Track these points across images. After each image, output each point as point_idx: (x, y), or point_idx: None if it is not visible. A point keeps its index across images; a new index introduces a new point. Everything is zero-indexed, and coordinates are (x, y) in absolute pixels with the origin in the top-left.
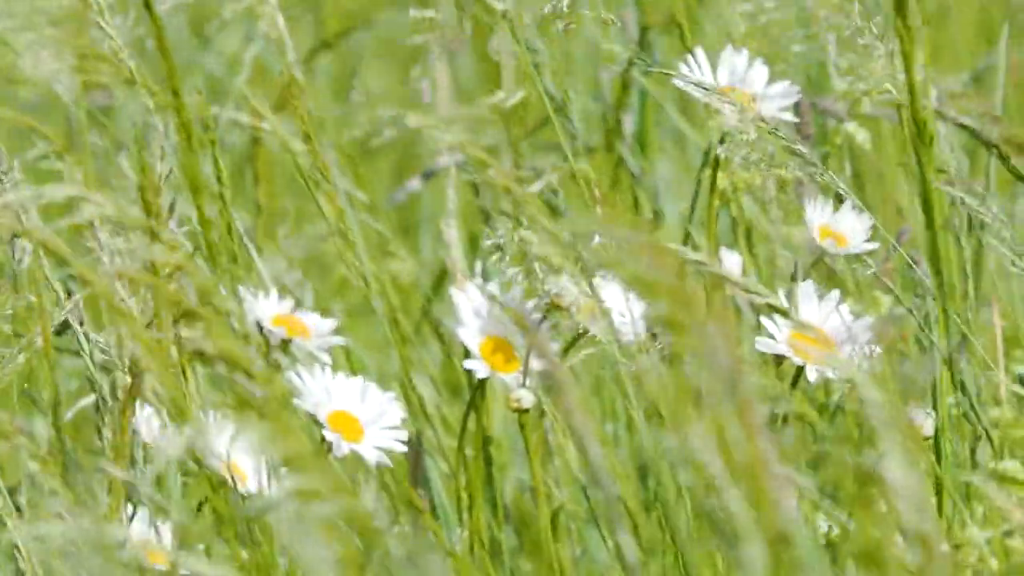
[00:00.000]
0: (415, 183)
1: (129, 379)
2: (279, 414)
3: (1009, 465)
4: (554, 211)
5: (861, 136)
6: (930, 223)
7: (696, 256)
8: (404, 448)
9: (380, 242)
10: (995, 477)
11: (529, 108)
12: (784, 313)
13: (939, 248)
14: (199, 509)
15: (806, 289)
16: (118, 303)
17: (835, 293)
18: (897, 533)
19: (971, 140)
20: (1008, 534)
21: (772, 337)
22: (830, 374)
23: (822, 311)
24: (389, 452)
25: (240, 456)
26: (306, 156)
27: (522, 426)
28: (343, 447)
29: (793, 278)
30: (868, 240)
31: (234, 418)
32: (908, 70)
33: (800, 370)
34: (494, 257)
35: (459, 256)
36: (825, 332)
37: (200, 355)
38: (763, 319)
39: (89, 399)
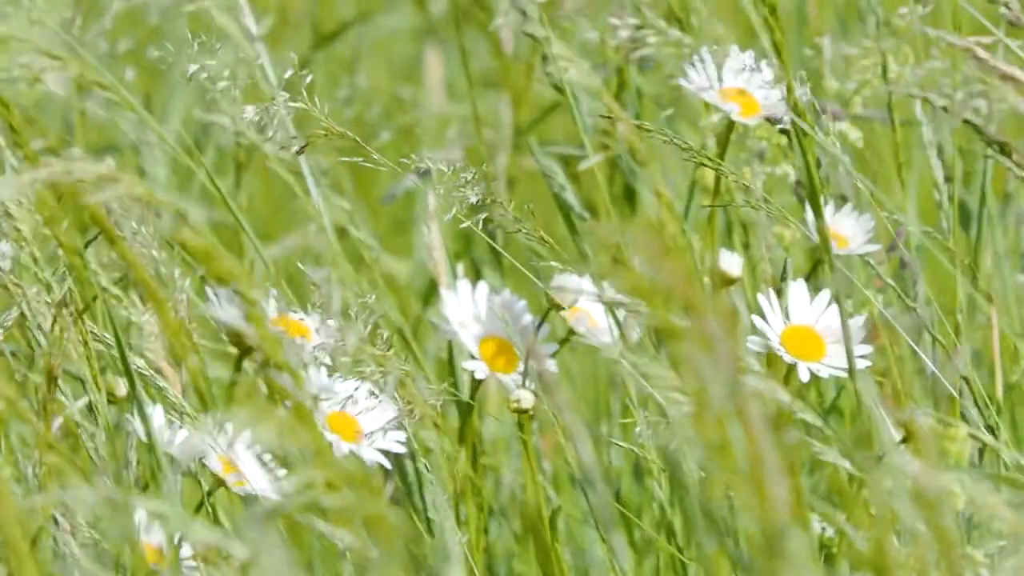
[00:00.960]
0: (409, 181)
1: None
2: (300, 408)
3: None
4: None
5: (854, 135)
6: (817, 209)
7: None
8: (403, 450)
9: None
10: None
11: (528, 104)
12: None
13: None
14: (199, 508)
15: (797, 289)
16: (154, 288)
17: (825, 293)
18: (894, 534)
19: (966, 142)
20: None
21: (765, 336)
22: (822, 373)
23: (814, 311)
24: (387, 454)
25: (230, 453)
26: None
27: (521, 427)
28: (342, 448)
29: (783, 278)
30: (868, 241)
31: (252, 412)
32: (781, 64)
33: (791, 369)
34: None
35: (442, 258)
36: (817, 331)
37: (237, 342)
38: (756, 319)
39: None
